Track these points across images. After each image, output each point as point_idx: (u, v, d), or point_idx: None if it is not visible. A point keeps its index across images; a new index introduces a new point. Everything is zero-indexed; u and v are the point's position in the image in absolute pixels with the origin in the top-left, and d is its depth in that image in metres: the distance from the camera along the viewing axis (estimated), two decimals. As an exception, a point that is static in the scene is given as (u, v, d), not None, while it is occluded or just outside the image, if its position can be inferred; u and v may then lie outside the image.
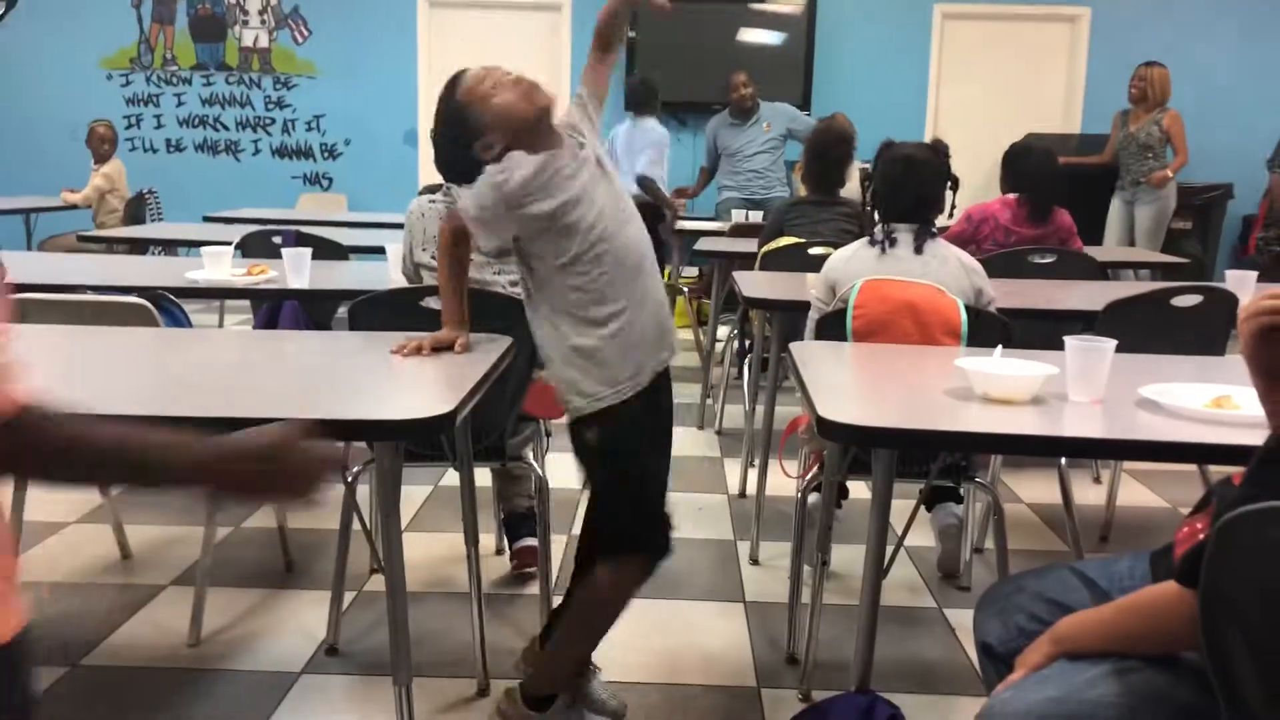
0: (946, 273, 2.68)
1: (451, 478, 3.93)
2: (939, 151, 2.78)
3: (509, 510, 3.22)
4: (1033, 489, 4.04)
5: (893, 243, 2.71)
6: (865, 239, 2.80)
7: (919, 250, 2.69)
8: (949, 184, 2.85)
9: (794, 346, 2.45)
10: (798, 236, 4.19)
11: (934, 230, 2.75)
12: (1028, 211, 4.34)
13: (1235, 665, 1.26)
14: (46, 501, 3.68)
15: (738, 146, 6.75)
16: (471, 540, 2.62)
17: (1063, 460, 3.10)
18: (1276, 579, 1.24)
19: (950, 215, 3.22)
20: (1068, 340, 2.00)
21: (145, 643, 2.75)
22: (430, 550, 3.38)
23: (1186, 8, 7.94)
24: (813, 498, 2.84)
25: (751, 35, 8.05)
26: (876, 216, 2.82)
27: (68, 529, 3.52)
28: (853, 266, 2.74)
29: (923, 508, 3.09)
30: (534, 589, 2.97)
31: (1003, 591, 1.81)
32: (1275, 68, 7.76)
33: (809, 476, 2.82)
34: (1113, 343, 1.99)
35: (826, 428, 1.79)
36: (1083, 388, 1.99)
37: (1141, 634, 1.44)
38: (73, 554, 3.32)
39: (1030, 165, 4.39)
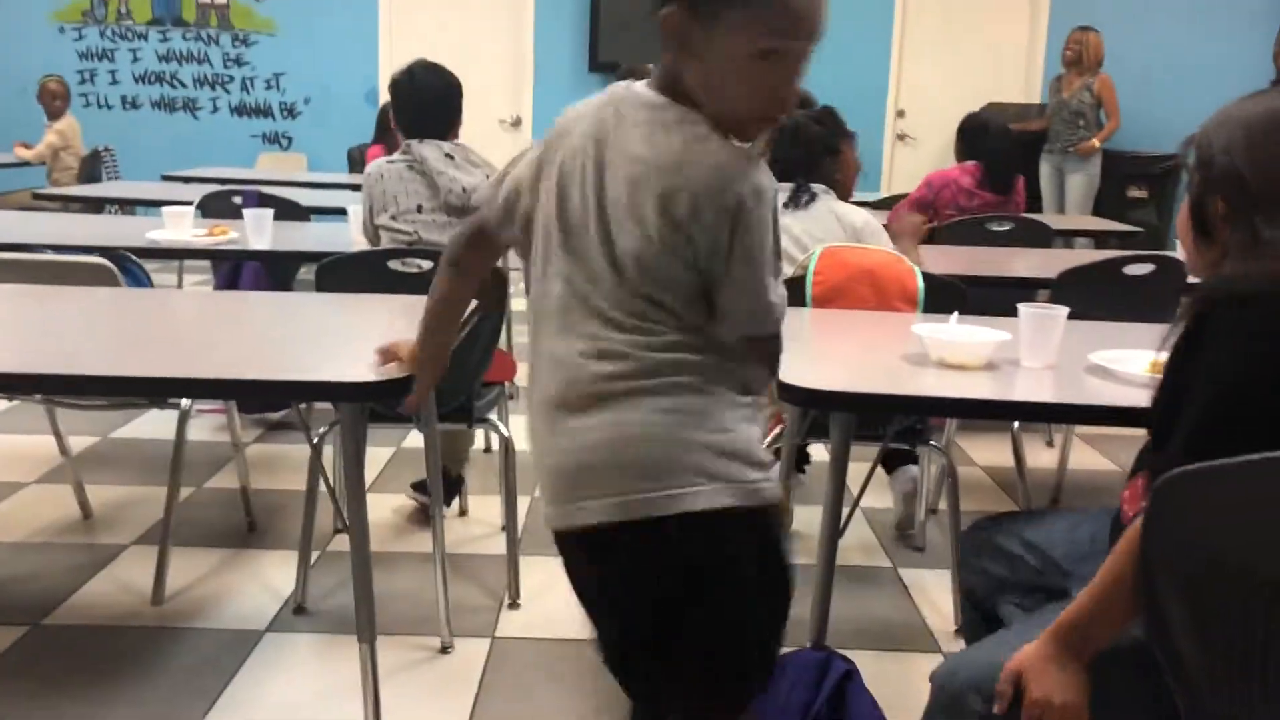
0: (820, 228, 2.87)
1: (414, 439, 3.96)
2: (823, 120, 3.05)
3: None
4: (986, 452, 4.12)
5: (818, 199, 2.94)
6: (787, 196, 2.97)
7: (792, 207, 2.91)
8: (831, 151, 3.05)
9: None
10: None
11: (810, 190, 2.94)
12: (990, 181, 4.41)
13: (1177, 639, 1.25)
14: (4, 461, 3.66)
15: None
16: (436, 501, 2.65)
17: (1015, 424, 3.17)
18: (1219, 543, 1.24)
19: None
20: (1021, 308, 2.05)
21: (108, 602, 2.76)
22: (394, 511, 3.40)
23: (1146, -22, 8.01)
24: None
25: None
26: None
27: (27, 489, 3.51)
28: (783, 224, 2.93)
29: (880, 470, 3.16)
30: (498, 548, 3.00)
31: (986, 534, 1.88)
32: (1238, 35, 7.84)
33: (769, 439, 2.87)
34: (1064, 310, 2.04)
35: (786, 391, 1.83)
36: (1035, 354, 2.04)
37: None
38: (32, 514, 3.31)
39: (989, 140, 4.45)
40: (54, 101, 6.82)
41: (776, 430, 2.82)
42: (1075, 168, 7.00)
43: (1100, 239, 5.25)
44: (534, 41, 8.07)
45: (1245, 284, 1.31)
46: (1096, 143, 6.91)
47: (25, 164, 6.82)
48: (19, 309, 2.35)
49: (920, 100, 8.25)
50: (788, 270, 2.80)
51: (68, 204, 5.07)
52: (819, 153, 3.00)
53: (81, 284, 2.67)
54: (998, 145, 4.46)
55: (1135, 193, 7.43)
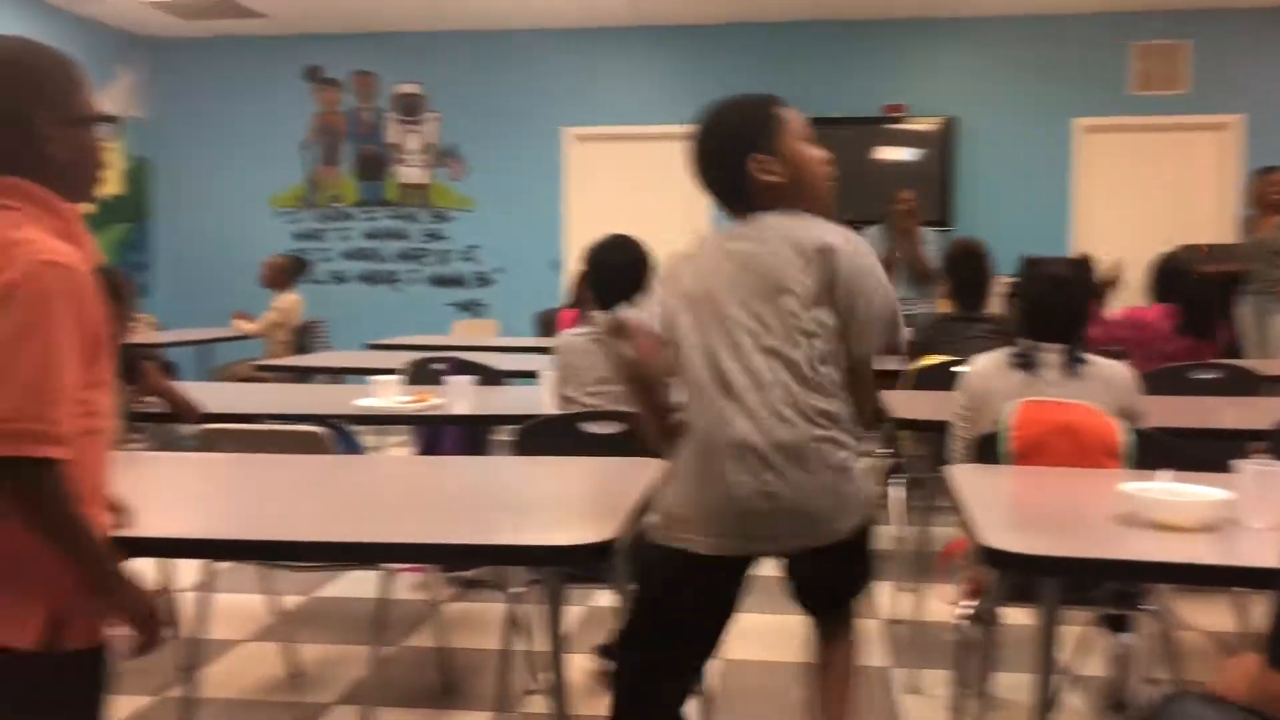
0: (1094, 397, 2.63)
1: (602, 598, 3.97)
2: (1084, 267, 2.77)
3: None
4: (1207, 615, 3.84)
5: (1039, 363, 2.69)
6: (1005, 353, 2.77)
7: (1068, 372, 2.66)
8: (1095, 298, 2.83)
9: (951, 469, 2.44)
10: (945, 354, 4.18)
11: (1082, 353, 2.70)
12: (1189, 326, 4.23)
13: None
14: (222, 620, 3.86)
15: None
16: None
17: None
18: None
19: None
20: (1242, 464, 1.94)
21: (314, 760, 2.83)
22: (582, 671, 3.40)
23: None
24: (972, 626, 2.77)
25: (888, 153, 8.14)
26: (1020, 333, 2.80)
27: (241, 646, 3.68)
28: (995, 385, 2.72)
29: (1088, 633, 2.98)
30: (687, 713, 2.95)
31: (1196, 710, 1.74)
32: None
33: (967, 603, 2.76)
34: (1289, 466, 1.93)
35: (991, 555, 1.77)
36: (1260, 513, 1.92)
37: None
38: (244, 671, 3.47)
39: (1188, 283, 4.29)
40: (280, 276, 7.32)
41: (973, 595, 2.72)
42: (1277, 309, 6.62)
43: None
44: (709, 205, 8.32)
45: None
46: None
47: (245, 336, 7.37)
48: (239, 477, 2.52)
49: (1102, 241, 8.06)
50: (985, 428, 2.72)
51: (281, 373, 5.45)
52: (1087, 304, 2.79)
53: (297, 451, 2.86)
54: (1198, 288, 4.29)
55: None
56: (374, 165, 8.80)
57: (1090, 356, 2.71)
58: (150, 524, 1.73)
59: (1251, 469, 1.94)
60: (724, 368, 1.99)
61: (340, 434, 3.15)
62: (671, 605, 2.11)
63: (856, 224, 7.35)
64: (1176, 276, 4.38)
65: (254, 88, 8.82)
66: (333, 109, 8.79)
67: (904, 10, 7.93)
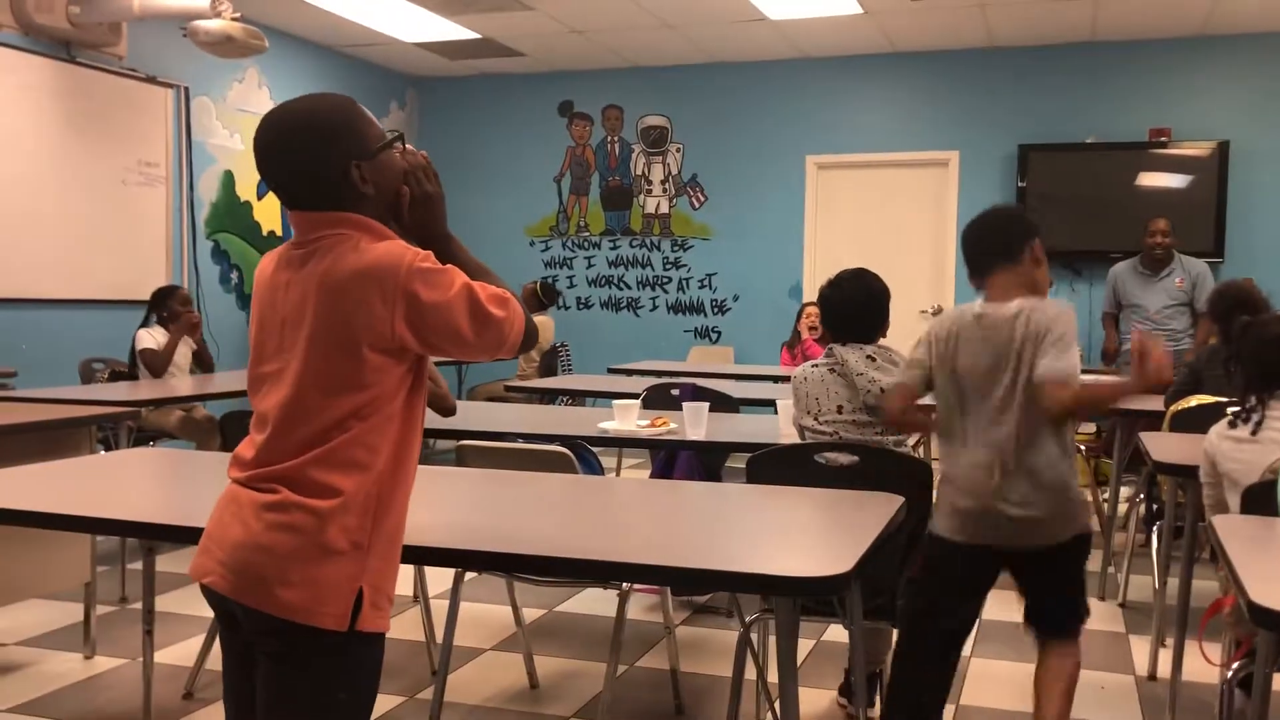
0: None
1: (835, 633, 3.93)
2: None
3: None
4: None
5: (1267, 417, 2.60)
6: (1232, 410, 2.68)
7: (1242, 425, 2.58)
8: None
9: (1217, 520, 2.28)
10: (1214, 392, 3.89)
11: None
12: None
13: None
14: (467, 627, 4.07)
15: (1144, 298, 6.37)
16: (862, 702, 2.61)
17: None
18: None
19: None
20: None
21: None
22: (811, 705, 3.37)
23: None
24: (1239, 691, 2.57)
25: (1155, 179, 7.68)
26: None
27: (485, 655, 3.87)
28: (1226, 449, 2.65)
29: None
30: None
31: None
32: None
33: (1235, 665, 2.56)
34: None
35: (1259, 614, 1.65)
36: None
37: None
38: (486, 679, 3.64)
39: None
40: (533, 300, 7.69)
41: (1243, 656, 2.52)
42: None
43: None
44: (956, 232, 8.10)
45: None
46: None
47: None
48: (489, 492, 2.66)
49: None
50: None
51: (529, 393, 5.71)
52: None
53: (544, 469, 2.99)
54: None
55: None
56: (620, 196, 9.08)
57: None
58: (406, 533, 1.85)
59: None
60: None
61: (582, 455, 3.26)
62: None
63: (1116, 255, 6.99)
64: None
65: (511, 122, 9.29)
66: (584, 142, 9.14)
67: (1164, 29, 7.46)
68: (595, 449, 3.61)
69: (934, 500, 2.81)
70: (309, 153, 1.66)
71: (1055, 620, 2.66)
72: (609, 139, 9.08)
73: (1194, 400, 3.91)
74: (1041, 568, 2.61)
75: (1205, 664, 3.02)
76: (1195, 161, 7.58)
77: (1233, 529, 2.21)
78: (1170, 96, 7.70)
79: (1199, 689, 3.35)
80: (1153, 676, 3.65)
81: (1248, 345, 2.73)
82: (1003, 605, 3.60)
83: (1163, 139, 7.64)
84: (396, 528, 1.72)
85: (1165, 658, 3.48)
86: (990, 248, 2.72)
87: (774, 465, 2.94)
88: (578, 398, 5.87)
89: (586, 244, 9.19)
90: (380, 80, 8.99)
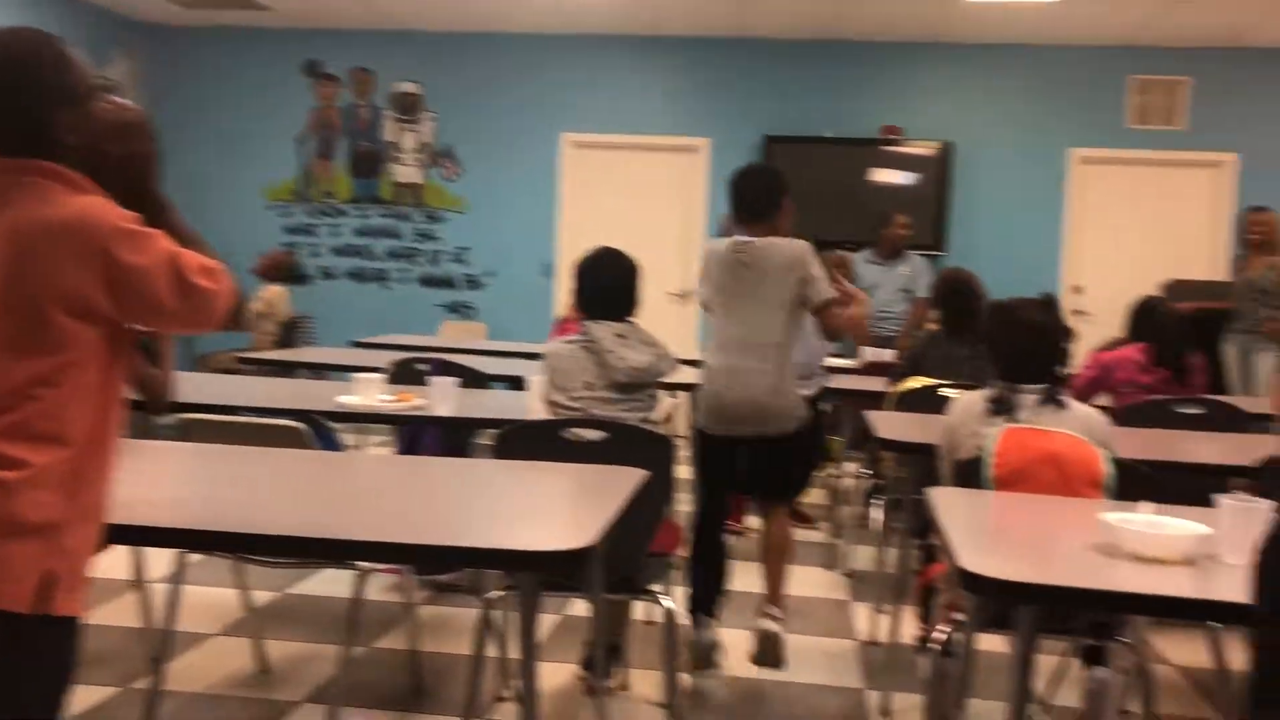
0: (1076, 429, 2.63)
1: (577, 606, 3.95)
2: (1055, 308, 2.79)
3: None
4: (1183, 650, 3.84)
5: (1016, 405, 2.70)
6: (981, 396, 2.79)
7: (1047, 411, 2.68)
8: (1068, 338, 2.86)
9: (933, 492, 2.43)
10: (933, 375, 4.17)
11: (1061, 395, 2.72)
12: (1160, 362, 4.27)
13: None
14: (193, 612, 3.82)
15: (875, 285, 6.77)
16: (602, 674, 2.63)
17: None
18: None
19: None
20: (1223, 500, 1.94)
21: (278, 758, 2.80)
22: (555, 680, 3.38)
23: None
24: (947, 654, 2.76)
25: (884, 176, 8.16)
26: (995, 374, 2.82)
27: (211, 640, 3.65)
28: (969, 427, 2.74)
29: (1062, 664, 2.97)
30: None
31: None
32: None
33: (943, 628, 2.74)
34: (1269, 503, 1.92)
35: (971, 580, 1.76)
36: (1239, 550, 1.91)
37: None
38: (213, 665, 3.43)
39: (1155, 321, 4.35)
40: (274, 271, 7.29)
41: (949, 620, 2.71)
42: (1263, 348, 6.67)
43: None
44: (706, 218, 8.34)
45: None
46: None
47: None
48: (215, 468, 2.50)
49: (1092, 273, 8.10)
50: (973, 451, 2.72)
51: (263, 366, 5.42)
52: (1063, 344, 2.84)
53: (277, 445, 2.83)
54: (1164, 326, 4.34)
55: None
56: (368, 162, 8.78)
57: (1069, 400, 2.72)
58: (121, 511, 1.70)
59: (1231, 505, 1.94)
60: None
61: (320, 430, 3.12)
62: None
63: (849, 244, 7.39)
64: (1144, 317, 4.43)
65: (250, 80, 8.79)
66: (330, 104, 8.77)
67: (904, 33, 7.95)
68: (336, 425, 3.47)
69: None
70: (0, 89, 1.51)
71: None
72: (357, 103, 8.76)
73: (915, 382, 4.17)
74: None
75: (920, 628, 3.24)
76: (922, 160, 8.12)
77: (947, 501, 2.37)
78: (903, 97, 8.20)
79: (913, 652, 3.59)
80: (873, 641, 3.88)
81: (999, 330, 2.83)
82: (750, 575, 3.73)
83: (894, 137, 8.13)
84: (95, 506, 1.59)
85: (885, 623, 3.70)
86: (757, 199, 3.55)
87: (523, 441, 2.91)
88: (319, 371, 5.63)
89: (333, 211, 8.83)
90: (101, 24, 8.26)
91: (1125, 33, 7.63)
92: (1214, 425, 3.95)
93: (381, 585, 4.19)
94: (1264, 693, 1.28)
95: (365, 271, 8.82)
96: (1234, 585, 1.85)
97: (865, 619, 4.08)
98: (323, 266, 8.82)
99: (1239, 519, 1.92)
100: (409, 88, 8.68)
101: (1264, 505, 1.91)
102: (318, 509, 2.20)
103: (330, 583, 4.24)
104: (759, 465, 3.52)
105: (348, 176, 8.79)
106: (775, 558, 3.49)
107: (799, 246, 3.49)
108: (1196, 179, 8.06)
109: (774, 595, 3.47)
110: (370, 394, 3.62)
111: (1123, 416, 3.96)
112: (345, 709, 2.94)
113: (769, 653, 3.36)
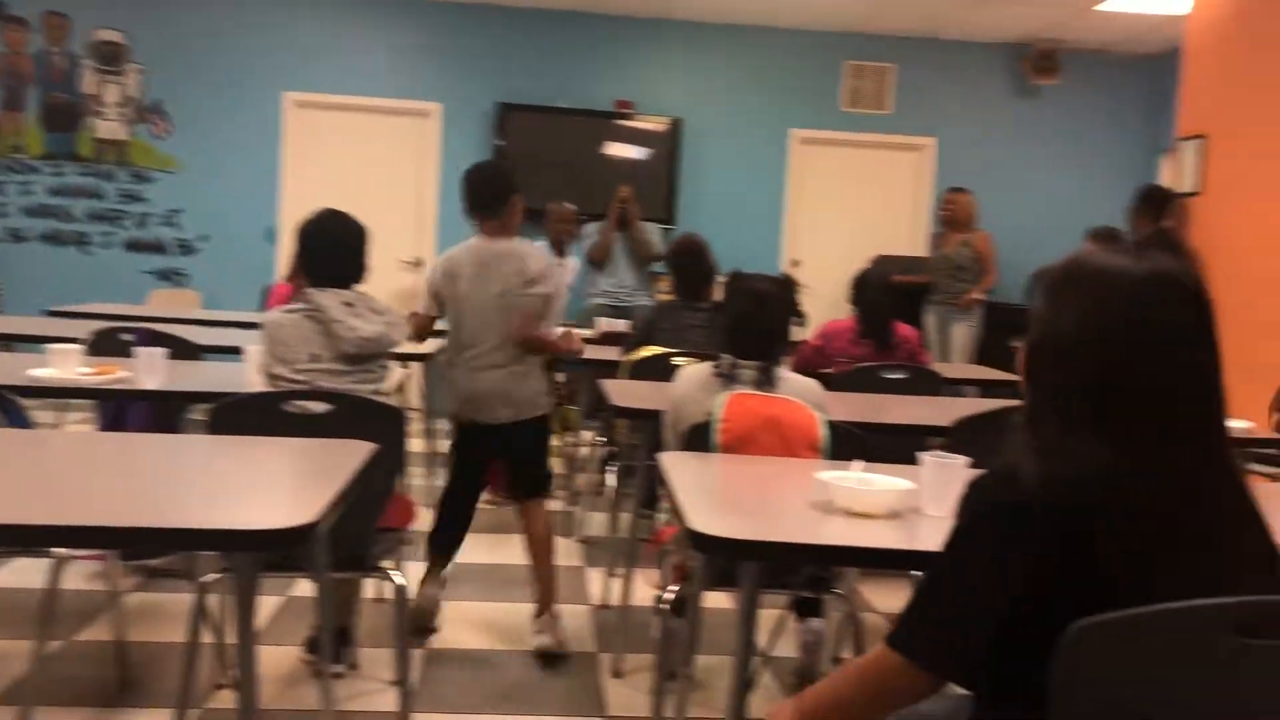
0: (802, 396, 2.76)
1: (303, 587, 3.80)
2: (787, 285, 2.91)
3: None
4: (889, 599, 4.13)
5: (739, 379, 2.81)
6: (709, 367, 2.88)
7: (763, 387, 2.79)
8: (796, 318, 2.99)
9: (662, 457, 2.48)
10: (664, 343, 4.28)
11: (777, 370, 2.84)
12: (867, 332, 4.56)
13: None
14: None
15: (616, 258, 6.85)
16: (328, 655, 2.53)
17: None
18: (1130, 694, 1.26)
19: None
20: (923, 457, 2.08)
21: (-40, 770, 2.53)
22: (279, 664, 3.23)
23: (1022, 139, 8.53)
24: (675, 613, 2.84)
25: (618, 150, 8.27)
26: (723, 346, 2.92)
27: (-124, 644, 3.24)
28: (695, 397, 2.82)
29: (782, 617, 3.12)
30: (389, 704, 2.86)
31: None
32: (1112, 191, 8.33)
33: (672, 589, 2.82)
34: (965, 459, 2.08)
35: (699, 540, 1.81)
36: (939, 502, 2.07)
37: (865, 699, 1.45)
38: (-120, 672, 3.05)
39: (866, 292, 4.64)
40: None
41: (678, 580, 2.79)
42: (958, 319, 7.33)
43: (988, 387, 5.42)
44: (439, 185, 8.17)
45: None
46: (976, 295, 7.27)
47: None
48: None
49: (811, 248, 8.55)
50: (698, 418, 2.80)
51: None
52: (788, 323, 2.95)
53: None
54: (872, 296, 4.63)
55: (1017, 343, 7.74)
56: (64, 116, 8.02)
57: (784, 373, 2.85)
58: None
59: (931, 462, 2.08)
60: None
61: (7, 406, 2.82)
62: None
63: (582, 216, 7.49)
64: (859, 286, 4.72)
65: (-78, 16, 7.83)
66: (18, 50, 7.94)
67: (637, 8, 8.06)
68: (27, 402, 3.14)
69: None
70: None
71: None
72: (50, 50, 7.97)
73: (647, 351, 4.26)
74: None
75: (650, 590, 3.32)
76: (653, 135, 8.28)
77: (676, 464, 2.42)
78: (635, 71, 8.32)
79: (644, 613, 3.68)
80: (605, 605, 3.95)
81: (730, 299, 2.89)
82: (478, 549, 3.69)
83: (627, 110, 8.25)
84: None
85: (617, 587, 3.77)
86: (482, 197, 3.50)
87: (240, 415, 2.74)
88: (7, 343, 5.11)
89: (22, 167, 8.01)
90: None
91: (842, 20, 8.06)
92: (916, 389, 4.27)
93: (83, 573, 3.87)
94: None
95: (62, 234, 8.07)
96: (934, 535, 1.99)
97: (598, 584, 4.14)
98: (11, 228, 8.00)
99: (938, 475, 2.07)
100: (111, 36, 7.98)
101: (960, 460, 2.07)
102: (6, 492, 1.98)
103: (24, 573, 3.86)
104: (510, 452, 3.63)
105: (40, 130, 8.00)
106: (544, 555, 3.54)
107: (528, 252, 3.57)
108: (901, 161, 8.66)
109: (547, 601, 3.51)
110: (68, 366, 3.31)
111: (836, 382, 4.20)
112: (40, 708, 2.69)
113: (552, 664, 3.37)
